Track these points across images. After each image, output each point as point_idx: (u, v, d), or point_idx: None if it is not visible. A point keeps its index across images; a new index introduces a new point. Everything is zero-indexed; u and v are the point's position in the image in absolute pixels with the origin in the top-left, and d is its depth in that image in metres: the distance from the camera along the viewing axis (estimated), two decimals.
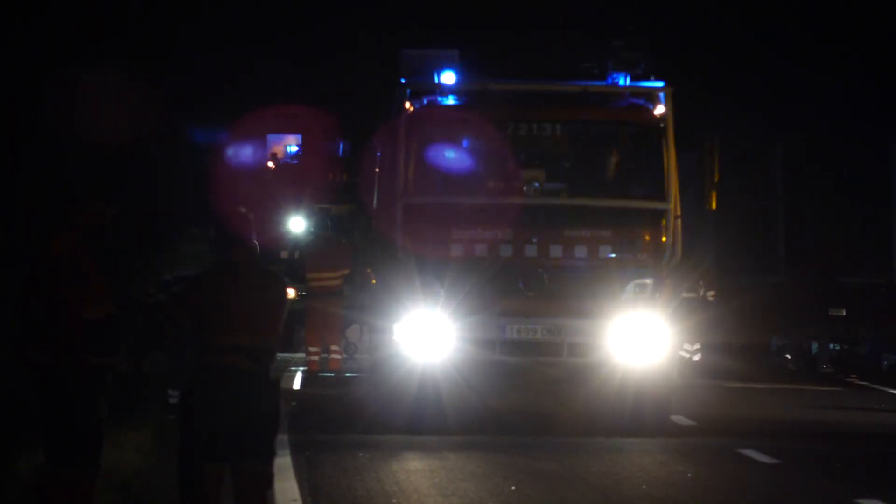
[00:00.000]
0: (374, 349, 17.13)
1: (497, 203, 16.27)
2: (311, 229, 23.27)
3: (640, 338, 15.86)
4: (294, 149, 26.86)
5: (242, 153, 28.39)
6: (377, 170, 17.71)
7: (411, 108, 16.21)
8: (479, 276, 15.90)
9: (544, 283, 15.93)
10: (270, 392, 8.65)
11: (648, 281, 16.01)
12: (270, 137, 27.60)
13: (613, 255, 16.12)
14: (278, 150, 26.78)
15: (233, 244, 8.66)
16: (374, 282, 18.65)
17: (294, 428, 15.56)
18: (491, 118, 16.41)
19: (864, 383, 24.45)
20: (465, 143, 16.48)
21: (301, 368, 22.12)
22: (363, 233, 18.88)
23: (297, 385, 20.85)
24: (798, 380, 24.47)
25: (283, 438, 13.43)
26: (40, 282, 8.89)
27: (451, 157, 16.32)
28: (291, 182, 25.61)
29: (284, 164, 26.56)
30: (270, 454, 8.60)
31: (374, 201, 17.74)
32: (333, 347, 20.84)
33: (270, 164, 26.86)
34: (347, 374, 20.72)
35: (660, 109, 16.24)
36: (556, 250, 16.08)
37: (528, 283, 15.91)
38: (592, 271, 16.05)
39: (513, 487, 12.32)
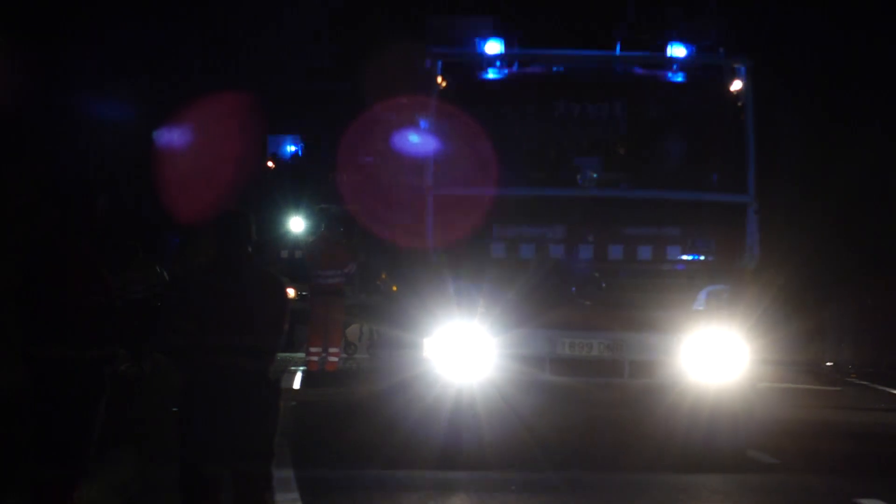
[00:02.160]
0: (400, 366, 14.73)
1: (546, 195, 13.80)
2: (314, 229, 22.89)
3: (715, 355, 13.50)
4: (292, 148, 26.28)
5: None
6: (401, 158, 15.22)
7: (444, 84, 13.73)
8: (525, 281, 13.46)
9: (602, 289, 13.49)
10: (270, 392, 8.58)
11: (724, 287, 13.53)
12: (270, 138, 27.57)
13: (683, 257, 13.66)
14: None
15: (230, 243, 8.60)
16: (394, 289, 16.17)
17: (302, 460, 13.21)
18: (538, 96, 13.93)
19: (864, 383, 24.24)
20: (507, 125, 13.95)
21: (301, 368, 21.53)
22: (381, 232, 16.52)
23: (297, 385, 20.04)
24: (799, 379, 23.95)
25: (288, 475, 12.06)
26: (43, 276, 8.93)
27: (492, 141, 13.82)
28: (291, 182, 25.02)
29: (284, 163, 26.19)
30: (270, 455, 8.55)
31: (398, 194, 15.28)
32: (332, 350, 20.56)
33: (270, 164, 26.24)
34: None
35: (736, 85, 13.76)
36: (615, 251, 13.63)
37: (583, 289, 13.50)
38: (658, 276, 13.64)
39: None
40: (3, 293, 10.79)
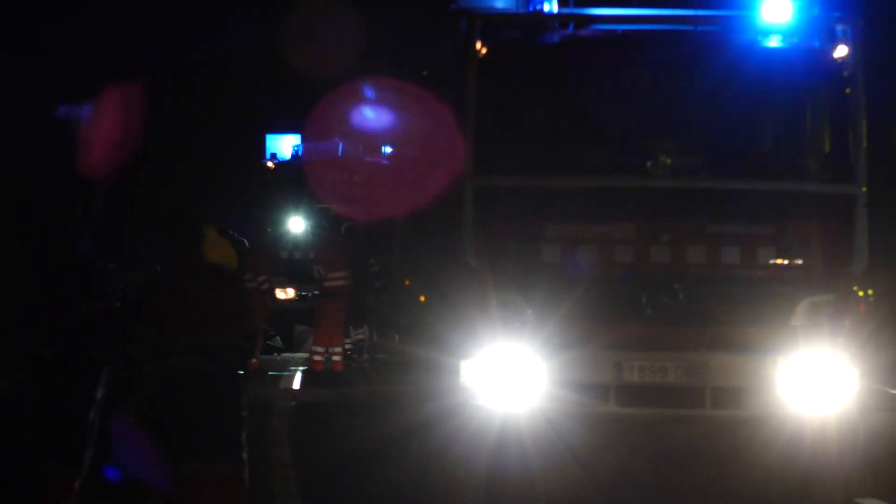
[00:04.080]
0: (431, 394, 12.34)
1: (610, 186, 11.33)
2: (320, 230, 22.85)
3: (816, 381, 11.08)
4: (294, 148, 26.33)
5: None
6: (428, 143, 12.78)
7: (484, 50, 11.27)
8: (584, 291, 11.06)
9: (678, 301, 11.04)
10: (232, 390, 8.58)
11: (827, 298, 11.11)
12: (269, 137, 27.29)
13: (777, 261, 11.18)
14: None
15: (188, 244, 8.66)
16: (422, 299, 13.72)
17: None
18: (600, 65, 11.46)
19: None
20: (561, 100, 11.48)
21: (301, 368, 21.38)
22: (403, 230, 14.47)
23: (296, 385, 19.71)
24: None
25: None
26: (41, 277, 8.99)
27: (542, 120, 11.38)
28: (291, 181, 24.89)
29: (284, 163, 26.02)
30: (238, 453, 8.56)
31: (425, 187, 12.84)
32: (336, 350, 20.63)
33: (270, 163, 26.18)
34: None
35: (841, 51, 11.24)
36: (695, 254, 11.21)
37: (656, 301, 11.10)
38: (747, 284, 11.18)
39: None
40: (4, 293, 10.61)
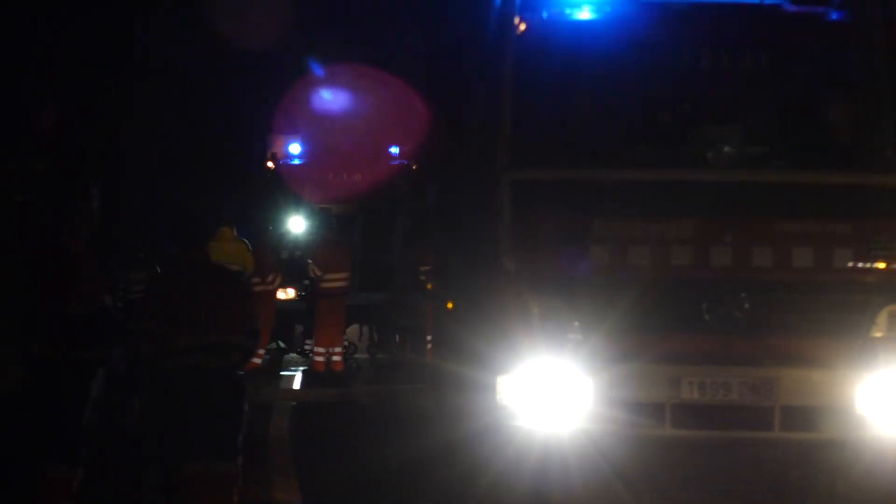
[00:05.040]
0: (463, 413, 11.06)
1: (664, 179, 10.01)
2: (316, 230, 22.96)
3: None
4: (296, 149, 25.73)
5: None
6: (458, 131, 11.54)
7: (523, 26, 10.00)
8: (636, 298, 9.79)
9: (744, 309, 9.76)
10: (235, 389, 8.66)
11: None
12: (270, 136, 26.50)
13: (856, 264, 9.87)
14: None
15: (197, 242, 8.78)
16: (449, 306, 12.44)
17: None
18: (654, 42, 10.17)
19: None
20: (609, 82, 10.18)
21: (302, 368, 21.44)
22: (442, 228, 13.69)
23: (297, 385, 19.71)
24: None
25: None
26: (41, 275, 8.93)
27: (588, 103, 10.10)
28: (292, 181, 24.82)
29: (285, 163, 25.44)
30: (236, 453, 8.63)
31: (453, 181, 11.59)
32: (336, 349, 20.65)
33: (270, 163, 25.61)
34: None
35: None
36: (761, 256, 9.93)
37: (718, 309, 9.80)
38: (822, 291, 9.88)
39: None
40: (2, 293, 10.22)
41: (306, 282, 21.56)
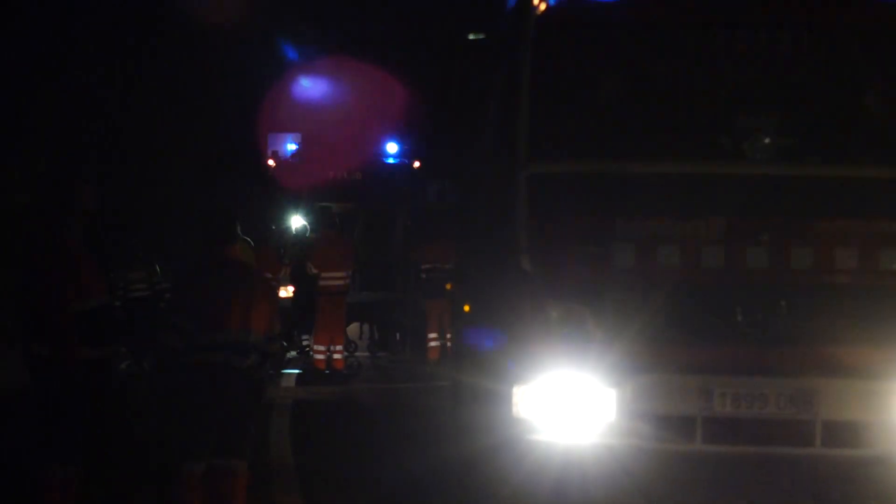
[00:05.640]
0: (475, 426, 10.33)
1: (696, 173, 9.20)
2: (313, 227, 22.83)
3: None
4: (294, 147, 25.87)
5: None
6: (472, 123, 10.80)
7: (543, 7, 9.23)
8: (664, 302, 9.02)
9: (782, 315, 9.01)
10: (254, 388, 8.75)
11: None
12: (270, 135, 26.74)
13: None
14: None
15: (225, 241, 8.84)
16: (466, 309, 11.72)
17: None
18: (686, 24, 9.36)
19: None
20: (637, 67, 9.39)
21: (303, 366, 21.31)
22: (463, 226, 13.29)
23: (297, 384, 19.62)
24: None
25: None
26: (42, 275, 8.93)
27: (613, 91, 9.33)
28: (292, 180, 24.93)
29: (285, 161, 25.61)
30: (245, 450, 8.75)
31: (469, 176, 10.85)
32: (337, 348, 20.50)
33: (271, 161, 25.71)
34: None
35: None
36: (802, 257, 9.13)
37: (754, 314, 9.02)
38: (867, 295, 9.07)
39: None
40: (3, 292, 10.91)
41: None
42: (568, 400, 9.05)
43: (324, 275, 20.23)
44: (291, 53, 26.41)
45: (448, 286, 19.27)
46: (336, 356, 20.49)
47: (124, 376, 15.29)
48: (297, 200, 23.71)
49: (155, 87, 28.60)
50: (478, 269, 10.57)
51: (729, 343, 9.02)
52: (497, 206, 9.54)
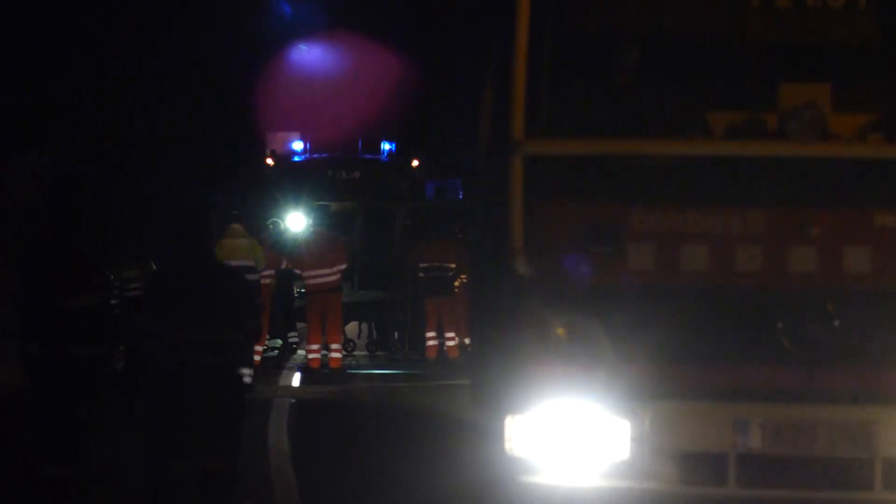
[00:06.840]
0: (461, 462, 8.97)
1: (728, 156, 7.72)
2: (307, 227, 22.84)
3: None
4: (297, 146, 26.32)
5: None
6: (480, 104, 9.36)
7: None
8: (688, 314, 7.59)
9: (832, 330, 7.56)
10: (234, 387, 8.79)
11: None
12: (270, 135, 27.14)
13: None
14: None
15: (194, 243, 8.86)
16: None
17: None
18: None
19: None
20: (654, 28, 7.92)
21: (301, 365, 21.61)
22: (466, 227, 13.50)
23: (295, 382, 19.96)
24: None
25: None
26: (39, 274, 9.24)
27: (626, 57, 7.85)
28: (290, 178, 25.25)
29: (284, 160, 26.09)
30: (235, 451, 8.80)
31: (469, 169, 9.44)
32: (334, 346, 20.74)
33: (270, 161, 26.06)
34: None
35: None
36: (856, 258, 7.63)
37: (798, 330, 7.56)
38: None
39: None
40: (2, 292, 10.94)
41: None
42: (571, 433, 7.66)
43: (307, 273, 20.50)
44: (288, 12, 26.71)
45: (456, 284, 20.75)
46: (334, 355, 20.63)
47: (120, 374, 15.24)
48: (296, 199, 24.05)
49: (156, 78, 29.16)
50: (471, 274, 9.15)
51: (768, 363, 7.61)
52: (488, 199, 8.08)
